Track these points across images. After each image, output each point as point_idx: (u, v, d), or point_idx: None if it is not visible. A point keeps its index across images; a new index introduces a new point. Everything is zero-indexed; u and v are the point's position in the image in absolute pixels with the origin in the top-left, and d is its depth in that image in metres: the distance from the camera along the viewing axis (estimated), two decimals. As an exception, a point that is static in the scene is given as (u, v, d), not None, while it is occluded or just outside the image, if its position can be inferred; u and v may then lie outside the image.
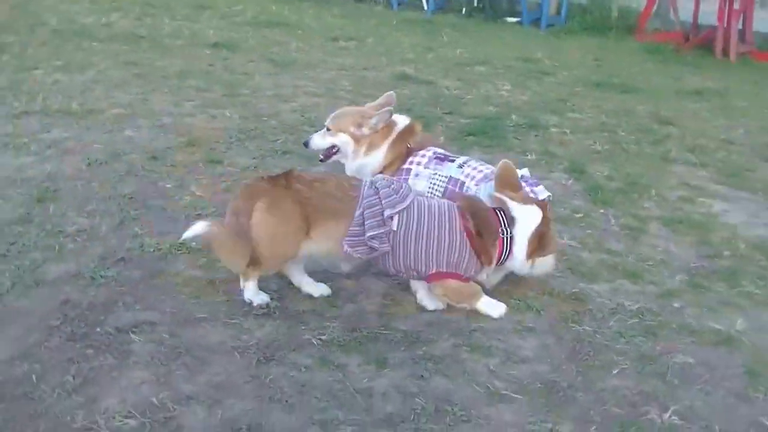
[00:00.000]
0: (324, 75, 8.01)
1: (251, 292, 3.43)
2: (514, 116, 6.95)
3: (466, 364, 3.23)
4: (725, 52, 10.94)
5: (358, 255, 3.36)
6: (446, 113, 6.89)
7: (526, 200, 3.55)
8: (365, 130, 4.16)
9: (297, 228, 3.31)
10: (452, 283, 3.39)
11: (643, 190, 5.49)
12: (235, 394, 2.91)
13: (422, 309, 3.58)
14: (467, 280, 3.42)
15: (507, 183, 3.61)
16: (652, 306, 3.90)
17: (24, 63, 7.39)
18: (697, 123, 7.43)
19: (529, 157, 5.95)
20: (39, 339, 3.08)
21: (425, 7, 12.46)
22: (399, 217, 3.32)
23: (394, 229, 3.29)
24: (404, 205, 3.35)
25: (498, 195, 3.52)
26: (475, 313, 3.57)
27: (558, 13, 12.23)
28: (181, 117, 6.27)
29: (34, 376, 2.87)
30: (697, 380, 3.31)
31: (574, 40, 11.23)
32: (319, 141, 4.32)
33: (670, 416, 3.06)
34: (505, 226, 3.38)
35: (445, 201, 3.53)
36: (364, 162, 4.21)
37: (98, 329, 3.24)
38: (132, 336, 3.22)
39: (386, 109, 4.21)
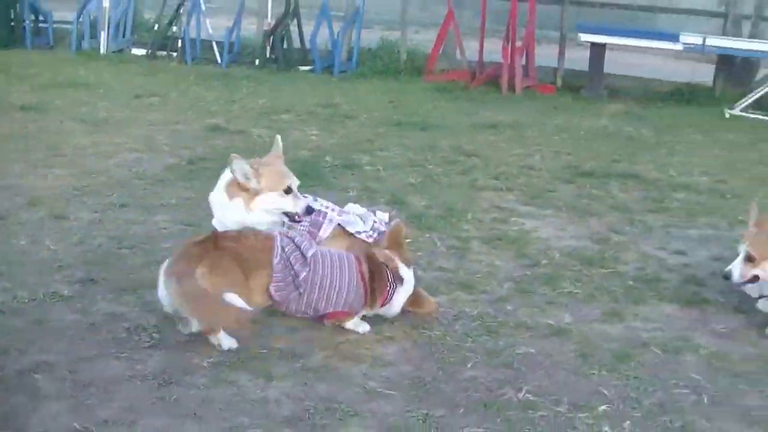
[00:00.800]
0: (138, 131, 8.42)
1: (225, 341, 3.90)
2: (328, 158, 7.68)
3: (341, 371, 3.84)
4: (511, 87, 12.26)
5: (279, 299, 3.92)
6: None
7: (408, 262, 4.32)
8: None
9: (240, 282, 3.82)
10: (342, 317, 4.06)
11: (460, 215, 6.33)
12: (148, 413, 3.36)
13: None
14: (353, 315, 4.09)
15: (395, 242, 4.38)
16: (488, 310, 4.67)
17: None
18: (497, 153, 8.47)
19: (351, 193, 6.66)
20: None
21: (219, 61, 13.03)
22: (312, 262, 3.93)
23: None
24: (313, 251, 3.95)
25: (388, 253, 4.25)
26: (343, 330, 4.22)
27: (349, 59, 13.21)
28: (15, 178, 6.50)
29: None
30: (540, 365, 4.08)
31: (368, 84, 12.21)
32: None
33: (524, 394, 3.79)
34: (392, 281, 4.11)
35: (340, 251, 4.24)
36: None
37: (0, 373, 3.58)
38: (35, 376, 3.59)
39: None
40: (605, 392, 3.82)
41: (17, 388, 3.44)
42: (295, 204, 4.44)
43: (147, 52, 13.52)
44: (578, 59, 13.27)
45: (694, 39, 11.90)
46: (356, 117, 9.72)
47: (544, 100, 12.05)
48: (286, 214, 4.45)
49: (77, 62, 12.55)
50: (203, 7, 13.31)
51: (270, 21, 13.37)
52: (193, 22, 13.28)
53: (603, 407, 3.70)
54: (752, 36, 12.91)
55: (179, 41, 13.39)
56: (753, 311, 4.72)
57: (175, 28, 13.50)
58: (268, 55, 13.20)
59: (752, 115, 11.29)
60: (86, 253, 5.13)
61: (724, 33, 12.66)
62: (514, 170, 7.81)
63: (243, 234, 4.08)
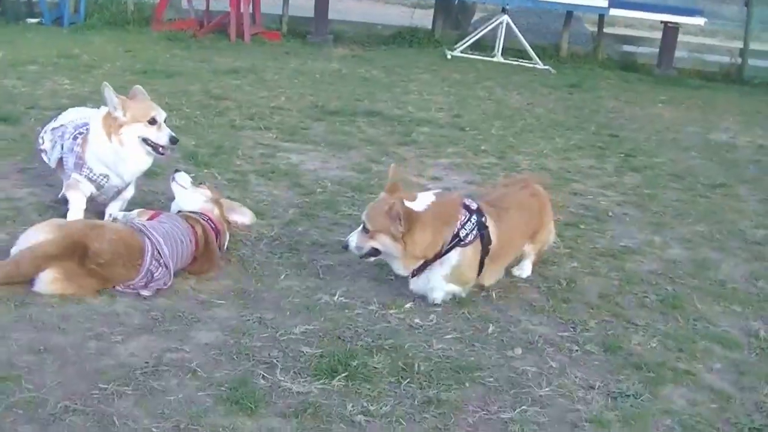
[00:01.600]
0: None
1: None
2: (88, 105, 7.69)
3: (173, 288, 4.20)
4: (239, 34, 12.65)
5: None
6: (29, 108, 7.43)
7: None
8: None
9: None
10: None
11: (231, 152, 6.72)
12: (15, 330, 3.63)
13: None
14: None
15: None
16: (283, 232, 5.16)
17: None
18: (245, 96, 8.88)
19: None
20: None
21: None
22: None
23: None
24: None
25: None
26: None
27: (76, 11, 13.01)
28: None
29: None
30: (343, 274, 4.64)
31: (99, 35, 12.12)
32: None
33: (338, 298, 4.33)
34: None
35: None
36: None
37: None
38: None
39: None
40: (406, 293, 4.43)
41: None
42: (159, 136, 4.71)
43: None
44: (302, 6, 13.87)
45: (414, -17, 12.85)
46: (100, 67, 9.72)
47: (272, 46, 12.57)
48: (150, 145, 4.73)
49: None
50: None
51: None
52: None
53: (409, 304, 4.30)
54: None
55: None
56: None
57: None
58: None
59: (471, 56, 12.45)
60: None
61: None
62: (266, 111, 8.25)
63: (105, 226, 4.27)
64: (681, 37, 13.64)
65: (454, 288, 4.32)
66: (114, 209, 4.99)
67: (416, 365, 3.65)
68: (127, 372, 3.38)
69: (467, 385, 3.58)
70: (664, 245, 5.52)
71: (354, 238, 4.26)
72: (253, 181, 6.03)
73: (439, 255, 4.22)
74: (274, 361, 3.59)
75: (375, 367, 3.61)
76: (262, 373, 3.50)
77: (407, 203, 4.11)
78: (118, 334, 3.65)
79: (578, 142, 8.16)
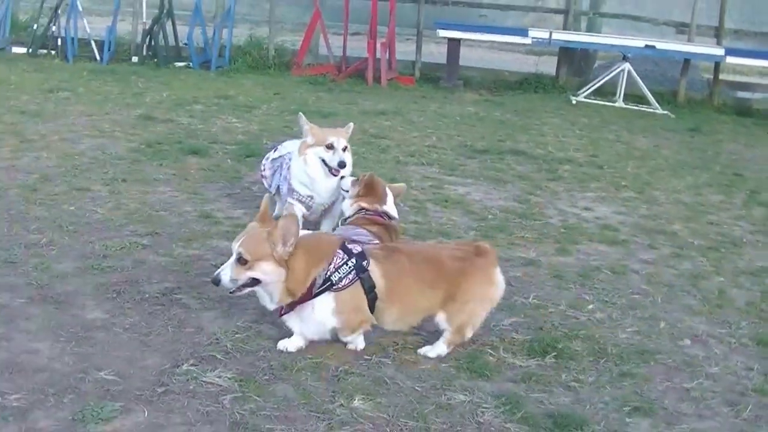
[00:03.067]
0: (78, 120, 9.43)
1: None
2: (265, 141, 9.08)
3: None
4: (376, 79, 13.99)
5: None
6: (211, 143, 8.81)
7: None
8: None
9: None
10: None
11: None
12: None
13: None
14: None
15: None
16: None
17: None
18: (400, 135, 10.11)
19: None
20: None
21: (98, 58, 14.02)
22: None
23: None
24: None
25: None
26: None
27: (221, 55, 14.56)
28: (10, 161, 7.64)
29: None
30: (530, 283, 5.78)
31: (245, 79, 13.57)
32: None
33: (531, 299, 5.48)
34: None
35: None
36: None
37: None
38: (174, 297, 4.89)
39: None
40: (586, 297, 5.56)
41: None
42: (331, 158, 5.69)
43: (27, 51, 14.32)
44: (432, 53, 15.19)
45: (542, 33, 14.08)
46: (257, 107, 11.09)
47: (407, 90, 13.84)
48: (327, 166, 5.72)
49: None
50: (80, 8, 14.17)
51: (145, 21, 14.44)
52: (71, 22, 14.08)
53: (591, 306, 5.42)
54: (589, 30, 15.31)
55: (59, 40, 14.23)
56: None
57: (54, 28, 14.23)
58: (144, 52, 14.24)
59: (594, 101, 13.55)
60: (130, 215, 6.32)
61: (566, 28, 14.92)
62: (423, 149, 9.45)
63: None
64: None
65: (342, 332, 4.33)
66: (327, 227, 5.97)
67: (608, 349, 4.74)
68: (381, 348, 4.53)
69: (651, 363, 4.64)
70: (797, 267, 6.49)
71: (228, 272, 4.06)
72: (430, 208, 7.20)
73: (308, 296, 4.15)
74: (495, 344, 4.72)
75: (576, 350, 4.70)
76: (489, 351, 4.61)
77: None
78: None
79: (706, 180, 9.14)
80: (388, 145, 9.39)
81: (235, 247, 4.06)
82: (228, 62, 14.29)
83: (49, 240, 5.72)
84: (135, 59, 14.15)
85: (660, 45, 13.52)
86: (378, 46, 13.77)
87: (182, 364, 4.15)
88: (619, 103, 13.25)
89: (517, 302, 5.28)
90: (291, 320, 4.25)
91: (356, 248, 4.28)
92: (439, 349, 4.43)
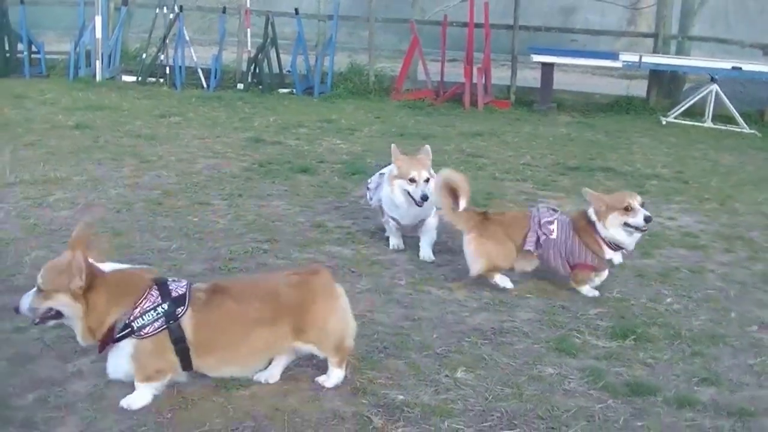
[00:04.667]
0: (191, 143, 10.56)
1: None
2: (369, 160, 10.03)
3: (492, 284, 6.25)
4: (473, 103, 14.87)
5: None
6: (319, 162, 9.81)
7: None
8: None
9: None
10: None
11: (501, 197, 8.73)
12: None
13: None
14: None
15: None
16: None
17: None
18: (495, 154, 10.92)
19: None
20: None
21: (204, 86, 15.26)
22: None
23: None
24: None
25: None
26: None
27: (323, 82, 15.65)
28: (131, 179, 8.66)
29: None
30: (614, 279, 6.57)
31: (346, 104, 14.58)
32: None
33: (615, 293, 6.28)
34: None
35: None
36: None
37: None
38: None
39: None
40: (665, 292, 6.30)
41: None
42: (415, 191, 6.27)
43: (137, 79, 15.58)
44: (525, 78, 16.02)
45: (632, 57, 14.78)
46: (360, 129, 12.06)
47: (502, 113, 14.65)
48: (411, 197, 6.32)
49: (78, 88, 14.55)
50: (187, 38, 15.46)
51: (249, 49, 15.64)
52: (178, 51, 15.34)
53: (668, 299, 6.17)
54: (678, 53, 15.95)
55: (167, 68, 15.46)
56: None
57: (162, 57, 15.54)
58: (249, 79, 15.44)
59: (683, 122, 14.18)
60: (249, 224, 7.28)
61: (655, 51, 15.60)
62: (518, 167, 10.25)
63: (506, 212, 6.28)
64: None
65: (136, 378, 3.94)
66: (426, 242, 6.69)
67: (682, 333, 5.47)
68: (480, 332, 5.33)
69: (720, 345, 5.34)
70: None
71: (27, 300, 3.80)
72: (526, 218, 7.99)
73: (107, 339, 3.83)
74: (581, 329, 5.52)
75: (653, 334, 5.45)
76: (575, 335, 5.40)
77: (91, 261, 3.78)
78: (464, 312, 5.63)
79: (790, 193, 9.72)
80: (485, 163, 10.23)
81: (39, 275, 3.69)
82: (330, 88, 15.31)
83: (178, 246, 6.63)
84: (240, 86, 15.32)
85: (747, 67, 14.04)
86: (474, 71, 14.54)
87: None
88: (708, 124, 13.82)
89: (603, 296, 6.03)
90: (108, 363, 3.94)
91: (180, 289, 3.90)
92: (334, 376, 4.32)
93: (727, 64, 14.07)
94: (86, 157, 9.40)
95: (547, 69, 14.85)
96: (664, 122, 13.84)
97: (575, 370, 4.82)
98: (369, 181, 7.01)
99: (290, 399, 4.32)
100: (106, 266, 3.87)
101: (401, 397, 4.39)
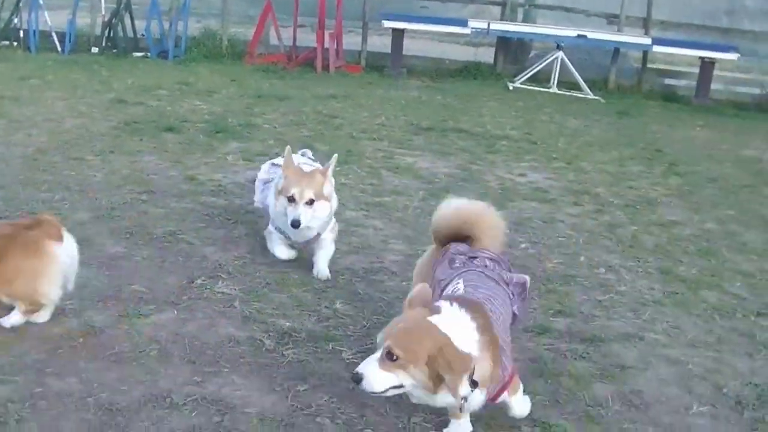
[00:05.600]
0: (55, 104, 10.46)
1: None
2: (230, 119, 10.22)
3: None
4: (325, 67, 15.18)
5: None
6: (182, 121, 9.92)
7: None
8: None
9: None
10: None
11: (360, 155, 9.03)
12: None
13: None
14: None
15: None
16: (431, 203, 7.56)
17: None
18: (351, 116, 11.21)
19: (270, 141, 9.32)
20: None
21: (59, 49, 15.03)
22: None
23: None
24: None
25: None
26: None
27: (177, 46, 15.65)
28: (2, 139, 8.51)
29: None
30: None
31: (201, 67, 14.63)
32: None
33: None
34: None
35: None
36: None
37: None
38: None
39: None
40: (519, 239, 6.80)
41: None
42: (291, 212, 5.22)
43: None
44: (374, 44, 16.45)
45: (481, 24, 15.38)
46: (218, 92, 12.17)
47: (354, 78, 14.98)
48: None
49: None
50: (41, 1, 15.18)
51: (104, 14, 15.50)
52: (32, 15, 15.06)
53: (522, 245, 6.68)
54: (525, 20, 16.69)
55: (21, 32, 15.17)
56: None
57: (16, 20, 15.22)
58: (104, 43, 15.32)
59: (530, 87, 14.89)
60: (125, 178, 7.44)
61: (503, 19, 16.27)
62: (374, 127, 10.62)
63: None
64: (717, 72, 15.95)
65: None
66: (322, 260, 5.62)
67: (537, 274, 5.98)
68: (352, 271, 5.73)
69: (572, 284, 5.87)
70: (701, 221, 7.74)
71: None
72: (384, 173, 8.37)
73: None
74: None
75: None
76: None
77: None
78: (336, 254, 6.22)
79: (630, 154, 10.42)
80: (341, 123, 10.56)
81: None
82: (184, 52, 15.33)
83: (60, 197, 6.74)
84: (95, 50, 15.15)
85: (591, 35, 14.86)
86: (326, 36, 14.83)
87: (196, 280, 5.31)
88: (554, 89, 14.55)
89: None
90: None
91: None
92: (13, 319, 4.44)
93: (572, 32, 14.80)
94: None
95: (398, 35, 15.28)
96: (511, 87, 14.49)
97: (441, 305, 5.14)
98: (260, 171, 6.03)
99: (189, 326, 4.74)
100: None
101: (288, 324, 4.84)
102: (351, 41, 16.10)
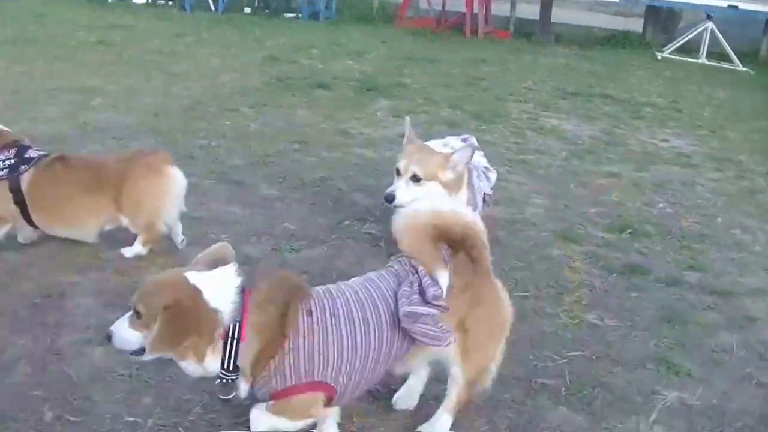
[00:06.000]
0: (212, 60, 11.28)
1: None
2: (379, 78, 10.71)
3: None
4: (473, 32, 15.51)
5: None
6: (333, 79, 10.44)
7: None
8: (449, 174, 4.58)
9: None
10: None
11: (506, 116, 9.39)
12: None
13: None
14: None
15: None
16: (574, 161, 7.89)
17: None
18: (499, 79, 11.56)
19: (419, 100, 9.76)
20: None
21: (213, 8, 15.87)
22: None
23: None
24: None
25: None
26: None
27: (327, 7, 16.27)
28: (161, 91, 9.40)
29: None
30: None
31: (352, 29, 15.20)
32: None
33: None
34: None
35: None
36: None
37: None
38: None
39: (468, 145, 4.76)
40: (658, 199, 7.05)
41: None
42: (395, 185, 4.80)
43: (147, 1, 16.31)
44: (523, 11, 16.64)
45: (630, -7, 15.39)
46: (368, 52, 12.69)
47: (502, 43, 15.27)
48: None
49: (93, 8, 15.20)
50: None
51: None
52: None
53: (660, 204, 6.94)
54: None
55: (176, -9, 15.87)
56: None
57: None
58: (257, 4, 16.08)
59: (678, 57, 14.87)
60: (279, 129, 8.06)
61: (653, -12, 16.21)
62: (520, 90, 10.93)
63: None
64: None
65: None
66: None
67: (673, 231, 6.23)
68: (495, 221, 6.04)
69: (707, 243, 6.06)
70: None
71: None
72: (528, 134, 8.70)
73: None
74: (583, 222, 6.26)
75: (647, 230, 6.17)
76: (578, 227, 6.16)
77: None
78: None
79: (777, 124, 10.43)
80: (489, 86, 10.93)
81: None
82: (335, 14, 15.90)
83: (217, 144, 7.32)
84: (248, 10, 15.98)
85: (743, 5, 14.68)
86: (475, 2, 15.16)
87: (344, 221, 5.77)
88: (702, 60, 14.50)
89: (601, 199, 6.76)
90: None
91: (34, 154, 4.55)
92: (136, 248, 4.76)
93: (723, 2, 14.69)
94: (115, 70, 10.01)
95: (547, 2, 15.47)
96: (659, 57, 14.52)
97: (579, 253, 5.54)
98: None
99: (337, 262, 5.15)
100: None
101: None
102: (500, 7, 16.31)
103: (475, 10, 15.17)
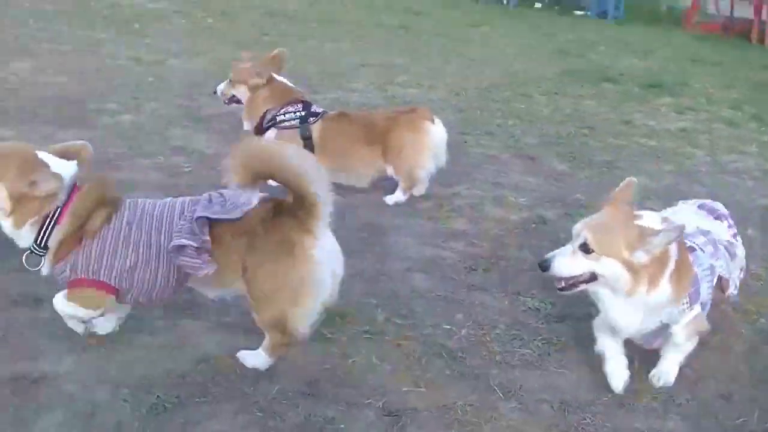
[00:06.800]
0: (506, 49, 12.06)
1: None
2: (664, 76, 11.06)
3: None
4: (760, 39, 15.42)
5: None
6: (619, 74, 10.88)
7: None
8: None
9: None
10: None
11: None
12: None
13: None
14: None
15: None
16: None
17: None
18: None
19: (701, 99, 10.01)
20: None
21: (504, 2, 16.89)
22: None
23: None
24: None
25: None
26: None
27: (616, 7, 16.71)
28: (460, 73, 10.25)
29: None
30: None
31: (638, 29, 15.55)
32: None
33: None
34: None
35: None
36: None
37: None
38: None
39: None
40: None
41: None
42: None
43: None
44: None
45: None
46: (654, 52, 13.15)
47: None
48: None
49: None
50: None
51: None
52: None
53: None
54: None
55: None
56: None
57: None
58: (547, 1, 16.79)
59: None
60: (568, 115, 8.57)
61: None
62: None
63: None
64: None
65: None
66: (664, 362, 3.69)
67: None
68: None
69: None
70: None
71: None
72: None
73: (259, 130, 5.52)
74: None
75: None
76: None
77: None
78: None
79: None
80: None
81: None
82: (623, 14, 16.34)
83: (512, 124, 7.94)
84: (538, 5, 16.74)
85: None
86: (765, 8, 15.10)
87: None
88: None
89: None
90: None
91: (319, 109, 5.36)
92: (397, 195, 5.37)
93: None
94: (416, 52, 11.06)
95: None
96: None
97: None
98: None
99: None
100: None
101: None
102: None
103: (764, 17, 14.90)
